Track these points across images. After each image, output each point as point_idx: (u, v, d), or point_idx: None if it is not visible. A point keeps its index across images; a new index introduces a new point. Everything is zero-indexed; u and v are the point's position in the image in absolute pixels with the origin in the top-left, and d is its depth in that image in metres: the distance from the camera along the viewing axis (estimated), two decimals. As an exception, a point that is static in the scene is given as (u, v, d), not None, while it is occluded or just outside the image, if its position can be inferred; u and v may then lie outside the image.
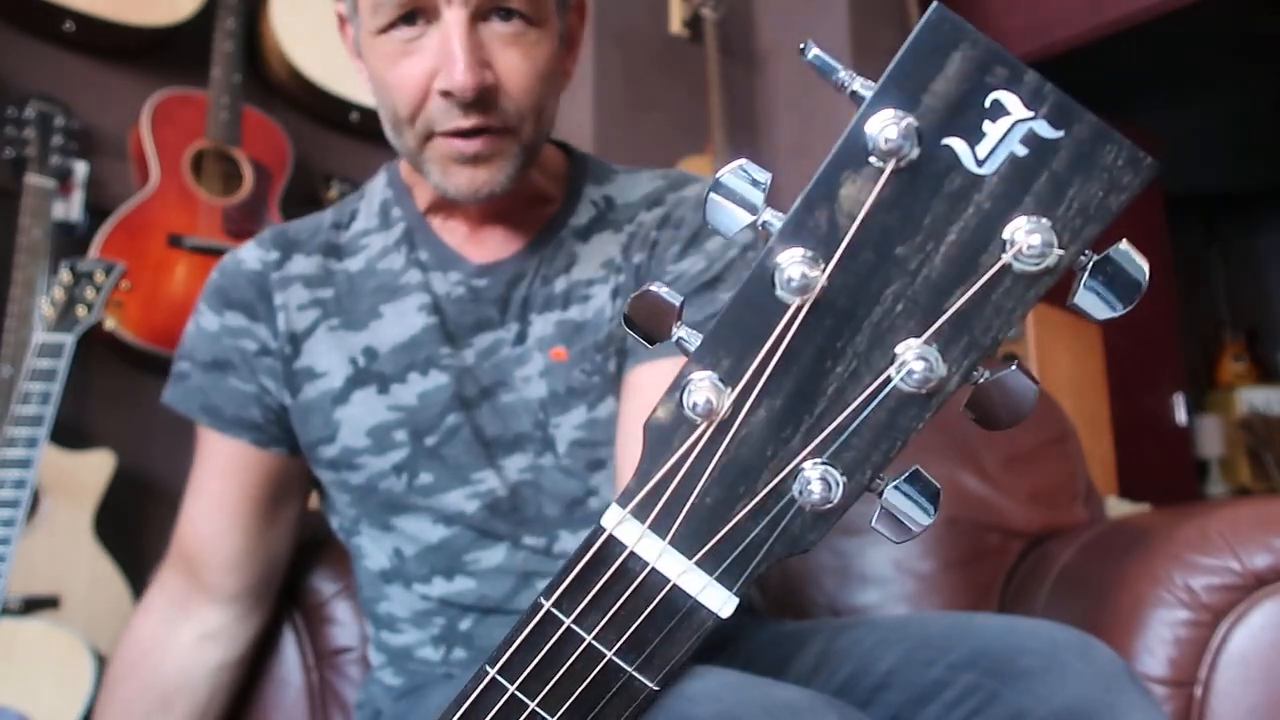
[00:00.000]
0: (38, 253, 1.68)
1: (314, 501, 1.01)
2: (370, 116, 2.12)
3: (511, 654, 0.43)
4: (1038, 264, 0.35)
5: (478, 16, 0.76)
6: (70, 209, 1.80)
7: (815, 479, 0.38)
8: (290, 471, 0.93)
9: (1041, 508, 1.28)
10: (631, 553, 0.41)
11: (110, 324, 1.72)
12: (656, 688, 0.43)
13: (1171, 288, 3.85)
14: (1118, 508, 2.19)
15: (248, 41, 2.03)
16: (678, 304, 0.39)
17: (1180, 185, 4.43)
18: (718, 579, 0.41)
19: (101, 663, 1.44)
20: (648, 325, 0.39)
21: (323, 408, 0.88)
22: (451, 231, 0.90)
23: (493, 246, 0.89)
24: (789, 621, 0.94)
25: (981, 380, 0.37)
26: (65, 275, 1.53)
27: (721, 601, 0.41)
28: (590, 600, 0.42)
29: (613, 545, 0.41)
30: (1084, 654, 0.67)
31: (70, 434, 1.73)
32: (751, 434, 0.39)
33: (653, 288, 0.39)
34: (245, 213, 1.90)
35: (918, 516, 0.39)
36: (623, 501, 0.41)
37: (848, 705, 0.64)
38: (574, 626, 0.43)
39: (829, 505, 0.39)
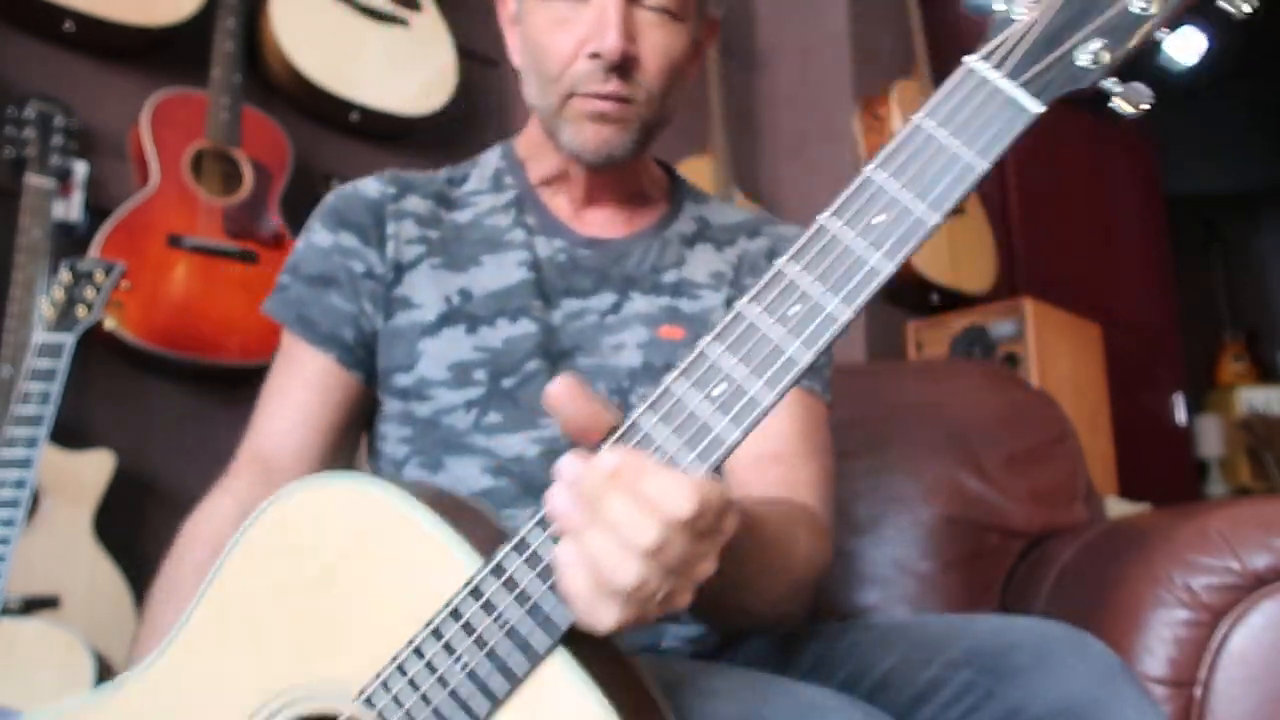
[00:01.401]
0: (38, 253, 1.68)
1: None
2: (370, 117, 2.11)
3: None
4: (1144, 9, 0.55)
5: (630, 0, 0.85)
6: (70, 209, 1.80)
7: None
8: (360, 403, 0.95)
9: (1041, 508, 1.28)
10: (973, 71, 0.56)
11: (110, 324, 1.72)
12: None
13: (1171, 288, 3.84)
14: (1118, 508, 2.19)
15: (248, 41, 2.02)
16: None
17: (1180, 185, 4.43)
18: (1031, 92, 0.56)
19: (101, 663, 1.44)
20: None
21: (409, 336, 0.91)
22: (559, 207, 0.96)
23: (597, 226, 0.96)
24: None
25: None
26: (65, 275, 1.53)
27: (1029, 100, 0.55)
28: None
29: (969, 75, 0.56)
30: (1078, 650, 0.67)
31: (70, 434, 1.73)
32: None
33: None
34: (245, 213, 1.90)
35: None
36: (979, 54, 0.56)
37: (873, 706, 0.64)
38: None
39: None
